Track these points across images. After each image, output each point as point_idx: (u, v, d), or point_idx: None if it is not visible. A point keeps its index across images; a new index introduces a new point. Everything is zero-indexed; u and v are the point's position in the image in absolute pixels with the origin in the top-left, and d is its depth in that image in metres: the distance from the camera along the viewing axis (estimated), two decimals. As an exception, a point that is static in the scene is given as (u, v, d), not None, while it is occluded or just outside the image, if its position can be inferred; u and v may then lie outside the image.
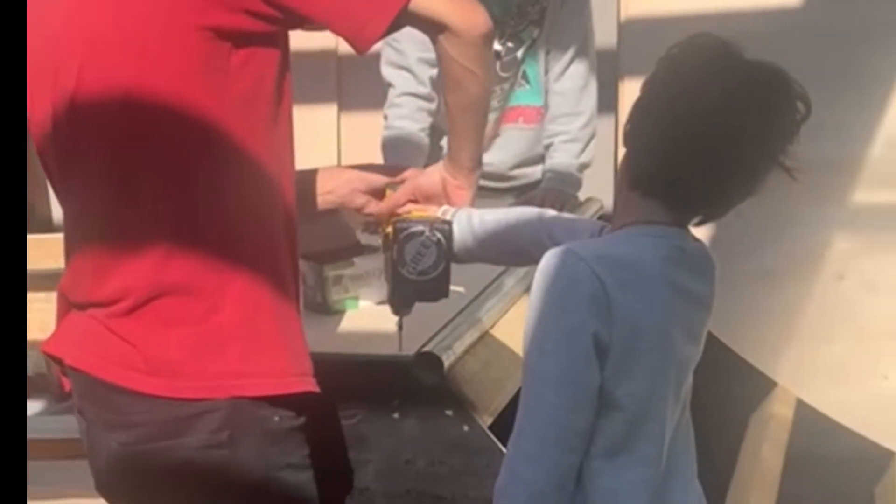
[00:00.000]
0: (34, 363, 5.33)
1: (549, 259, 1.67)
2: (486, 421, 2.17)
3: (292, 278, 1.99)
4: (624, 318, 1.63)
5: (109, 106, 1.85)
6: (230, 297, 1.88)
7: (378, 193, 2.17)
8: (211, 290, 1.87)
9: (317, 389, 1.94)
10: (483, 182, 3.32)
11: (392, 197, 2.13)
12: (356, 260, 2.42)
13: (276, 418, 1.89)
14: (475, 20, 1.89)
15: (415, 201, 2.11)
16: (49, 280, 2.83)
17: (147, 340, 1.87)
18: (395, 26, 1.86)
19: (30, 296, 2.96)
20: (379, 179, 2.17)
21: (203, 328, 1.87)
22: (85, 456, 2.07)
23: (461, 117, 2.03)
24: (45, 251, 3.33)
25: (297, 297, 2.02)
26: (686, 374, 1.75)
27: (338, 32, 1.90)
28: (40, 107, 1.90)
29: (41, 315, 3.03)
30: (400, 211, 2.10)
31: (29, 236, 4.04)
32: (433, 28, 1.88)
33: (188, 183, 1.87)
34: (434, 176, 2.11)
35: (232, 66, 1.84)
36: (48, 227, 4.94)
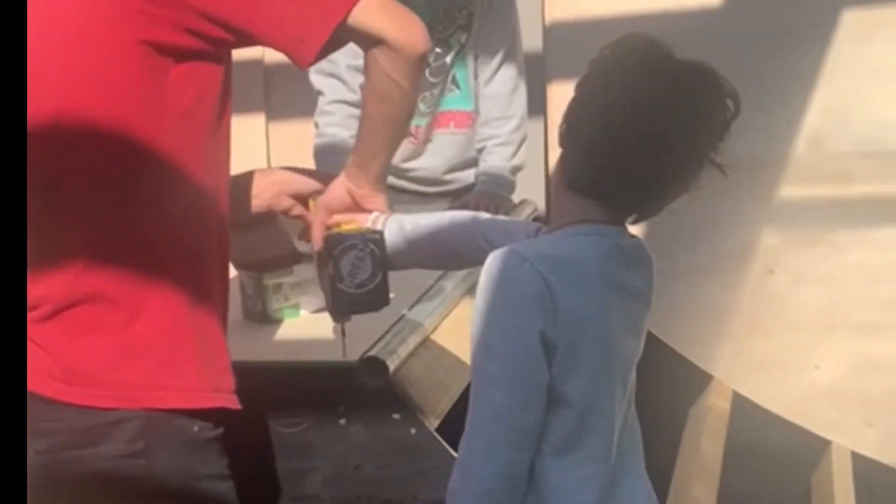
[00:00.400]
0: None
1: (492, 260, 1.68)
2: (433, 423, 2.18)
3: (220, 293, 1.99)
4: (568, 315, 1.64)
5: (42, 111, 1.83)
6: (149, 309, 1.87)
7: (302, 198, 2.16)
8: (129, 302, 1.87)
9: (234, 405, 1.94)
10: (416, 187, 3.37)
11: (314, 224, 2.09)
12: (295, 268, 2.42)
13: (195, 428, 1.89)
14: (415, 38, 1.88)
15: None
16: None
17: (64, 348, 1.87)
18: (334, 41, 1.85)
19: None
20: (305, 183, 2.17)
21: (119, 338, 1.87)
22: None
23: (382, 128, 2.01)
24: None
25: (224, 312, 2.02)
26: (630, 369, 1.76)
27: (278, 49, 1.89)
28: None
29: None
30: (329, 224, 2.07)
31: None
32: (371, 42, 1.87)
33: (111, 195, 1.86)
34: (339, 190, 2.07)
35: (171, 81, 1.84)
36: None
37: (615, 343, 1.71)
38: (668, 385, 3.51)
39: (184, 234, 1.90)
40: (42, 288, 1.86)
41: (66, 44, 1.84)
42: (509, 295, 1.65)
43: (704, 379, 3.71)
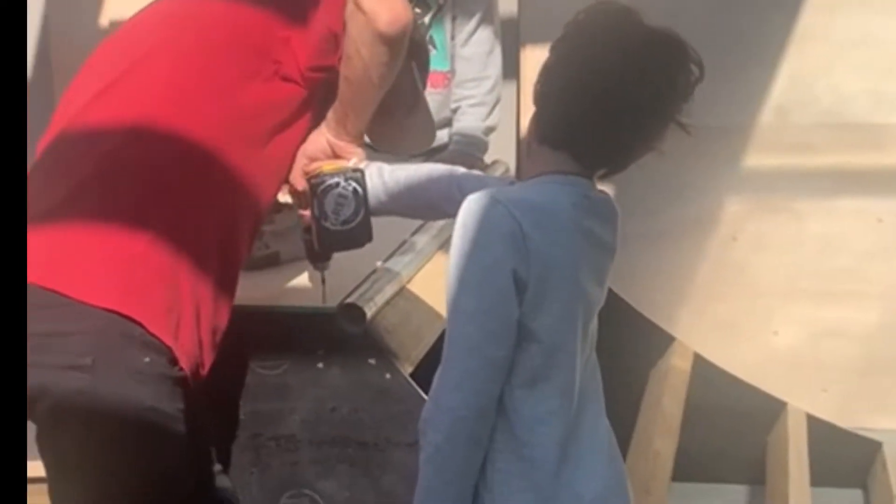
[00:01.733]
0: None
1: (468, 203, 1.76)
2: (406, 369, 2.25)
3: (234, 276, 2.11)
4: (539, 256, 1.73)
5: (130, 125, 2.03)
6: (179, 270, 1.96)
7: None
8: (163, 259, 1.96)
9: (184, 373, 1.96)
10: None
11: (294, 168, 2.21)
12: (276, 217, 2.47)
13: (146, 359, 1.91)
14: (387, 17, 2.05)
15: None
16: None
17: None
18: None
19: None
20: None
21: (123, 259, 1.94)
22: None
23: (345, 89, 2.15)
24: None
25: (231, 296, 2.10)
26: (591, 314, 1.86)
27: None
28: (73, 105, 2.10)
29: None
30: (309, 169, 2.16)
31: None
32: (353, 8, 2.04)
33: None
34: (320, 140, 2.20)
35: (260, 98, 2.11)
36: None
37: (581, 286, 1.80)
38: (631, 345, 3.62)
39: (221, 208, 2.04)
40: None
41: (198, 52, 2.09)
42: (483, 235, 1.73)
43: (667, 340, 3.80)
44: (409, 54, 2.20)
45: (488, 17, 3.44)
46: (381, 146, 2.46)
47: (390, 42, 2.07)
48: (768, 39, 3.73)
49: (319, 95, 2.18)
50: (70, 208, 1.96)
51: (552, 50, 1.82)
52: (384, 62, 2.09)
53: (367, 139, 2.29)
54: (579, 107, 1.76)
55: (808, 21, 3.69)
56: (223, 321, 2.04)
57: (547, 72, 1.81)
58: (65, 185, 1.99)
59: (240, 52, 2.12)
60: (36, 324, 1.85)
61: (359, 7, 2.05)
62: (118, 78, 2.09)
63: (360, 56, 2.09)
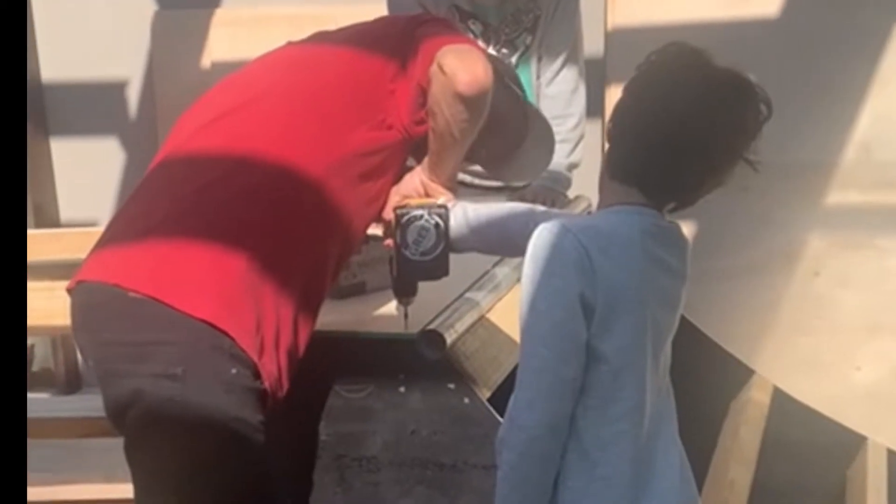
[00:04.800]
0: (41, 357, 5.50)
1: (539, 231, 1.88)
2: (484, 394, 2.33)
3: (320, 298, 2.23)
4: (606, 280, 1.82)
5: (239, 154, 2.19)
6: (266, 289, 2.08)
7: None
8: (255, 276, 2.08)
9: (266, 387, 2.06)
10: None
11: (388, 203, 2.35)
12: (363, 248, 2.57)
13: (233, 371, 2.01)
14: (465, 79, 2.17)
15: None
16: (62, 270, 2.98)
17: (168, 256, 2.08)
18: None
19: (46, 283, 3.11)
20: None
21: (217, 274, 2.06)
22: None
23: (431, 139, 2.29)
24: (61, 244, 3.50)
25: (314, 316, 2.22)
26: (663, 339, 1.93)
27: None
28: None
29: (53, 302, 3.18)
30: (399, 204, 2.29)
31: (42, 231, 4.16)
32: (439, 69, 2.18)
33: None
34: (414, 179, 2.35)
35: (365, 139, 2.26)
36: (56, 223, 5.14)
37: (649, 310, 1.88)
38: (711, 378, 3.63)
39: (313, 240, 2.18)
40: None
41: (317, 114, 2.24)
42: (552, 261, 1.84)
43: (746, 373, 3.81)
44: (502, 79, 2.34)
45: (573, 57, 3.52)
46: (495, 175, 2.56)
47: (469, 103, 2.19)
48: (852, 79, 3.75)
49: (415, 142, 2.31)
50: (175, 225, 2.09)
51: (625, 90, 1.92)
52: (464, 119, 2.21)
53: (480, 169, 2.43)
54: (648, 144, 1.86)
55: (891, 61, 3.70)
56: (300, 348, 2.15)
57: (619, 110, 1.92)
58: (171, 204, 2.13)
59: (351, 100, 2.27)
60: (132, 332, 2.00)
61: (440, 68, 2.17)
62: (232, 110, 2.24)
63: (442, 113, 2.21)
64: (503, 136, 2.47)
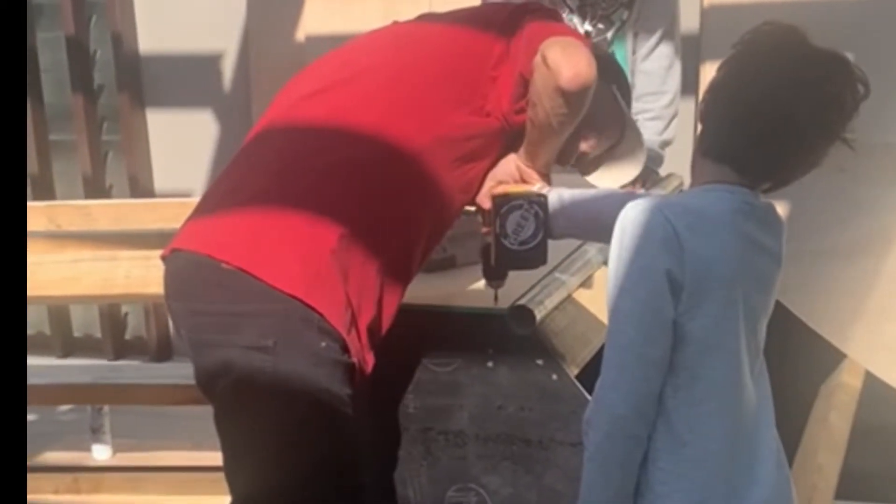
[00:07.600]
0: (134, 325, 5.60)
1: (627, 209, 1.86)
2: (572, 371, 2.33)
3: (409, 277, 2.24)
4: (695, 258, 1.80)
5: (343, 127, 2.20)
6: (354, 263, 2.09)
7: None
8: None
9: (354, 360, 2.08)
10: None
11: (483, 188, 2.35)
12: (455, 222, 2.56)
13: (322, 344, 2.03)
14: (569, 74, 2.14)
15: None
16: (157, 239, 3.04)
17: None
18: None
19: (142, 252, 3.16)
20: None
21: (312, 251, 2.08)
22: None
23: (530, 128, 2.28)
24: (156, 213, 3.58)
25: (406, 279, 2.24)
26: (756, 321, 1.90)
27: None
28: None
29: (148, 272, 3.24)
30: (497, 190, 2.29)
31: (137, 200, 4.25)
32: (542, 61, 2.16)
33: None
34: (509, 165, 2.35)
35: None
36: (150, 193, 5.24)
37: (741, 289, 1.85)
38: (802, 360, 3.59)
39: (408, 221, 2.20)
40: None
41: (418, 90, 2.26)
42: (639, 238, 1.82)
43: (838, 357, 3.75)
44: (608, 79, 2.33)
45: (670, 34, 3.48)
46: (588, 175, 2.55)
47: (570, 97, 2.17)
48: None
49: (513, 130, 2.31)
50: (270, 197, 2.12)
51: (719, 69, 1.89)
52: (564, 113, 2.20)
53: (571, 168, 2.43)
54: (743, 123, 1.83)
55: None
56: (383, 326, 2.16)
57: (713, 89, 1.89)
58: (266, 176, 2.16)
59: (454, 82, 2.27)
60: (224, 303, 2.02)
61: (544, 60, 2.16)
62: (335, 84, 2.26)
63: (542, 105, 2.20)
64: (597, 136, 2.46)
